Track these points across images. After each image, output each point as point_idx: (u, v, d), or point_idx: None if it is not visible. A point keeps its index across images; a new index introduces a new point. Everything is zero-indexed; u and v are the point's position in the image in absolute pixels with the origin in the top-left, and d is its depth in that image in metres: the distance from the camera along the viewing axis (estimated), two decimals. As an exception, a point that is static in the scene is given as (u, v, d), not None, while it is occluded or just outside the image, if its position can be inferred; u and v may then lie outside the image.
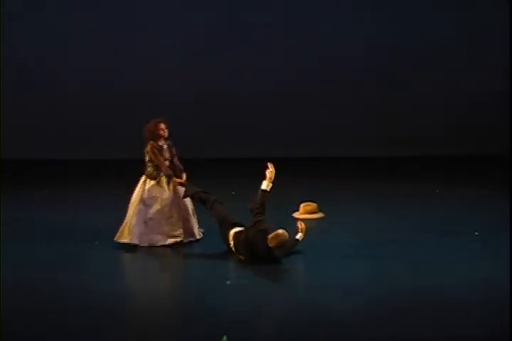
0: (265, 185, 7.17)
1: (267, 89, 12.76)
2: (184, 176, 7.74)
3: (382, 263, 6.77)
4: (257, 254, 6.80)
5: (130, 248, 7.41)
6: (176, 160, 7.79)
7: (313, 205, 8.72)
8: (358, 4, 12.83)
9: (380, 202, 9.40)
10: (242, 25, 12.83)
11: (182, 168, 7.80)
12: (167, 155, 7.71)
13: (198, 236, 7.76)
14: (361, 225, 8.23)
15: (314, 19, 12.75)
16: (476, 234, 7.64)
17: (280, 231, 6.74)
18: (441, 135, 12.63)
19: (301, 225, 7.23)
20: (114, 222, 7.70)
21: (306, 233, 7.19)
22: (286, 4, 12.85)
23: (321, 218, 8.61)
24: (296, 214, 8.66)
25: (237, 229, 7.09)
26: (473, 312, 5.45)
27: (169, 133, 7.68)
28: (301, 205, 8.71)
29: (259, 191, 7.14)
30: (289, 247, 6.97)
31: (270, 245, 6.69)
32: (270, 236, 6.71)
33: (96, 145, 12.82)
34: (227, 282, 6.20)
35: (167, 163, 7.69)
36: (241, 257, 6.97)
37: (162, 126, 7.66)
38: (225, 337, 4.97)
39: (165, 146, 7.70)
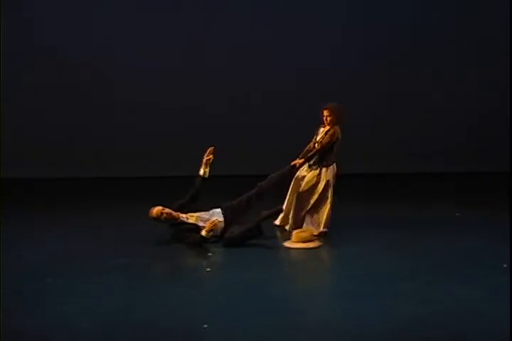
0: (202, 172, 7.91)
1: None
2: (299, 161, 7.98)
3: (393, 302, 5.67)
4: None
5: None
6: (317, 146, 7.98)
7: (308, 232, 7.63)
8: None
9: (387, 227, 8.26)
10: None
11: (309, 154, 7.98)
12: (317, 138, 8.04)
13: None
14: (366, 256, 7.12)
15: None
16: (505, 266, 6.53)
17: (157, 207, 7.62)
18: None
19: (209, 223, 7.46)
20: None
21: (210, 228, 7.43)
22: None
23: (317, 247, 7.47)
24: (287, 243, 7.55)
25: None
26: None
27: (329, 120, 7.89)
28: (294, 232, 7.62)
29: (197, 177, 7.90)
30: (193, 242, 7.50)
31: None
32: None
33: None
34: (204, 326, 5.13)
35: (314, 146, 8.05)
36: None
37: (323, 112, 7.91)
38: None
39: (320, 130, 8.02)
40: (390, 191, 10.79)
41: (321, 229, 7.93)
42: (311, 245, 7.47)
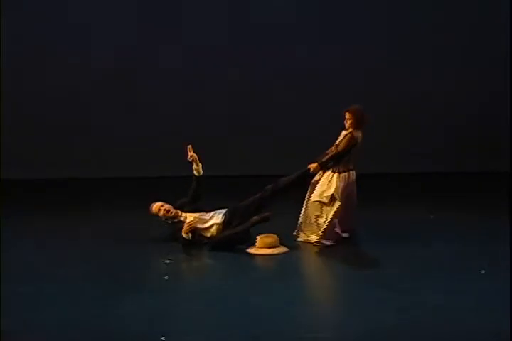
0: (194, 170, 7.84)
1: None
2: (314, 165, 7.56)
3: (370, 309, 5.56)
4: None
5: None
6: (331, 149, 7.62)
7: (273, 237, 7.31)
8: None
9: (387, 227, 8.16)
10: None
11: (323, 159, 7.57)
12: (337, 141, 7.63)
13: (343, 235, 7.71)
14: (338, 262, 6.95)
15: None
16: (483, 271, 6.43)
17: (156, 203, 7.70)
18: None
19: (186, 225, 7.34)
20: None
21: (187, 230, 7.34)
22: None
23: (283, 253, 7.22)
24: (251, 249, 7.29)
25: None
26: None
27: (349, 123, 7.56)
28: (258, 237, 7.31)
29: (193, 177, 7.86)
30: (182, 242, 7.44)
31: None
32: None
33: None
34: (162, 338, 4.93)
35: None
36: None
37: (345, 114, 7.57)
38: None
39: (342, 133, 7.64)
40: (390, 191, 10.74)
41: (323, 240, 7.43)
42: (276, 251, 7.19)
